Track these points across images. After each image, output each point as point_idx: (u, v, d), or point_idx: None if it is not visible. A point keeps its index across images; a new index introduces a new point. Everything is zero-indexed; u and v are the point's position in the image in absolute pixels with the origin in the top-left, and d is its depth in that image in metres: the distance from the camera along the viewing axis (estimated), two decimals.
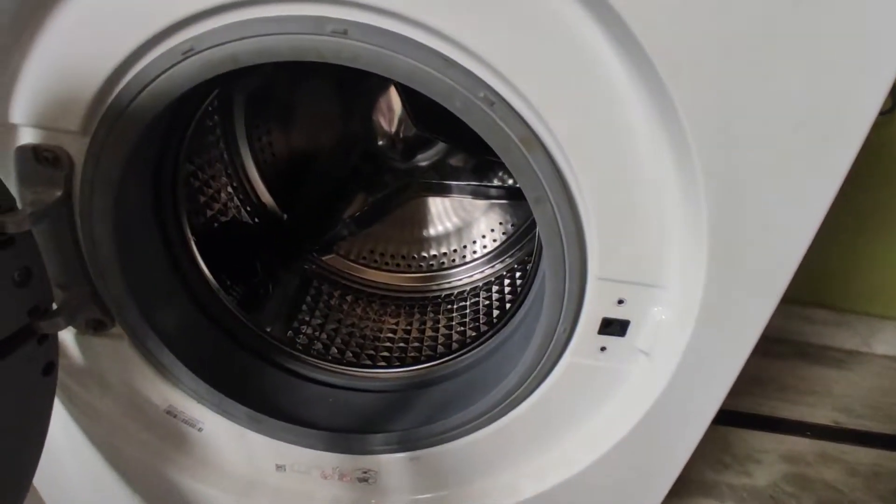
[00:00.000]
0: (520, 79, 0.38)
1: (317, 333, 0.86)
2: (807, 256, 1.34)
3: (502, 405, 0.55)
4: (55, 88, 0.42)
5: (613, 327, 0.49)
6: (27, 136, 0.45)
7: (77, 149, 0.45)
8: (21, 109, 0.43)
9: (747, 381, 1.25)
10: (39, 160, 0.45)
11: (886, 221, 1.25)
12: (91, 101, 0.42)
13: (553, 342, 0.50)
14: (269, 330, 0.77)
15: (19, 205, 0.44)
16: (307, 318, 0.88)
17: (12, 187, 0.45)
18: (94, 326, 0.55)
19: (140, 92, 0.41)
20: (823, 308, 1.36)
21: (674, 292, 0.46)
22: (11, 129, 0.45)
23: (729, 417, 1.16)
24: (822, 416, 1.20)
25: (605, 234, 0.44)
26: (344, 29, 0.38)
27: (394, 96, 0.84)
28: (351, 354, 0.83)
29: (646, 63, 0.36)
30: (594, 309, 0.48)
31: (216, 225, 0.81)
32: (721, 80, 0.36)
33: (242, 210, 0.88)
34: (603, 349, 0.51)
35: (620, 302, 0.48)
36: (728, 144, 0.38)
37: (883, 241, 1.27)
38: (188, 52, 0.39)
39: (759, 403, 1.20)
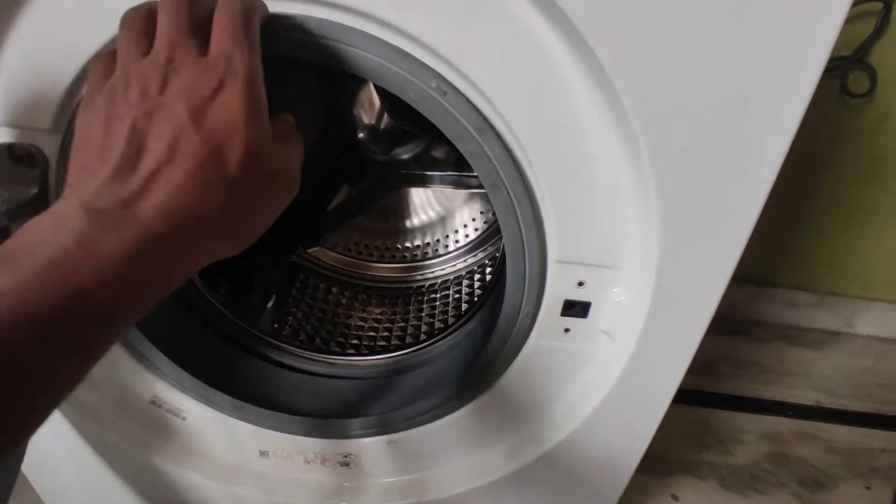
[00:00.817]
0: (471, 68, 0.40)
1: (302, 324, 0.87)
2: (788, 241, 1.36)
3: (473, 387, 0.57)
4: (25, 88, 0.44)
5: (576, 309, 0.51)
6: (0, 136, 0.46)
7: (50, 146, 0.47)
8: None
9: (729, 363, 1.28)
10: (13, 158, 0.46)
11: (866, 205, 1.27)
12: (61, 99, 0.44)
13: (518, 325, 0.52)
14: (254, 323, 0.79)
15: None
16: (293, 310, 0.89)
17: None
18: None
19: None
20: (804, 291, 1.39)
21: (631, 273, 0.48)
22: None
23: (711, 399, 1.19)
24: (803, 396, 1.22)
25: (562, 218, 0.46)
26: (299, 24, 0.39)
27: (373, 89, 0.85)
28: (335, 344, 0.85)
29: (592, 57, 0.37)
30: (556, 291, 0.50)
31: None
32: (662, 71, 0.38)
33: None
34: (567, 331, 0.52)
35: (581, 284, 0.49)
36: (670, 131, 0.40)
37: (863, 223, 1.29)
38: None
39: (740, 386, 1.23)
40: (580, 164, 0.43)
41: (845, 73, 1.12)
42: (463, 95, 0.41)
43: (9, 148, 0.46)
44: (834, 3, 0.35)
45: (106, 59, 0.34)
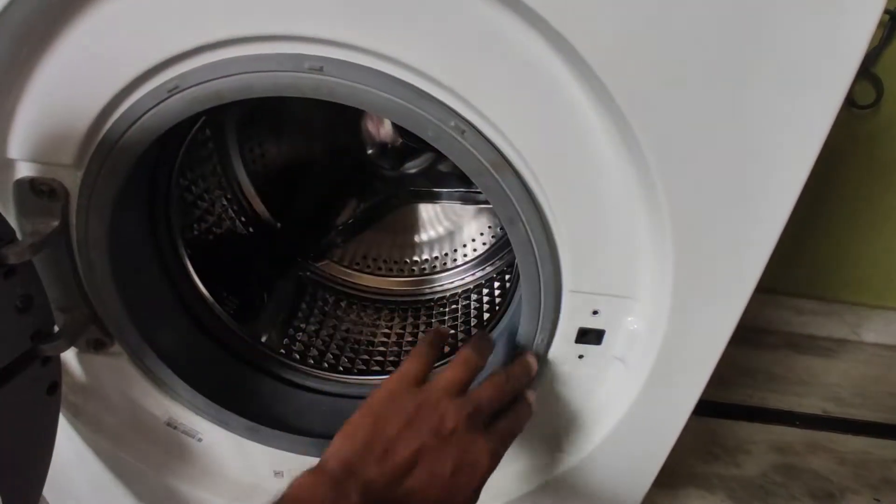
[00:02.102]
0: (488, 107, 0.40)
1: (312, 340, 0.88)
2: (795, 249, 1.36)
3: None
4: (49, 126, 0.44)
5: (590, 336, 0.51)
6: (24, 171, 0.47)
7: (71, 181, 0.47)
8: (17, 145, 0.46)
9: (737, 372, 1.28)
10: (36, 192, 0.47)
11: (873, 213, 1.27)
12: (83, 137, 0.44)
13: (532, 350, 0.52)
14: (264, 339, 0.80)
15: (19, 236, 0.46)
16: (302, 326, 0.90)
17: (11, 220, 0.47)
18: (94, 346, 0.57)
19: (129, 128, 0.43)
20: (812, 298, 1.39)
21: (645, 303, 0.49)
22: (9, 164, 0.47)
23: (719, 409, 1.19)
24: (811, 405, 1.22)
25: (577, 250, 0.46)
26: (320, 66, 0.40)
27: None
28: (346, 360, 0.86)
29: (605, 92, 0.38)
30: (570, 320, 0.50)
31: (211, 238, 0.83)
32: (678, 107, 0.38)
33: (237, 221, 0.90)
34: (581, 357, 0.53)
35: (595, 313, 0.50)
36: (686, 166, 0.40)
37: (870, 231, 1.30)
38: (174, 89, 0.41)
39: (748, 395, 1.23)
40: (595, 197, 0.44)
41: (851, 85, 1.12)
42: (481, 134, 0.41)
43: (31, 182, 0.47)
44: (857, 30, 0.36)
45: (429, 356, 0.48)
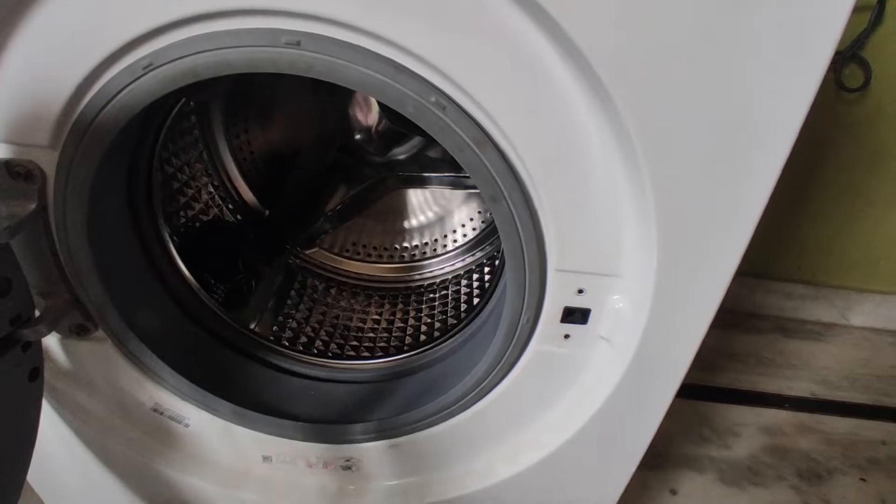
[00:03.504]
0: (469, 82, 0.40)
1: (302, 326, 0.88)
2: (785, 234, 1.36)
3: (473, 393, 0.57)
4: (23, 106, 0.43)
5: (575, 316, 0.51)
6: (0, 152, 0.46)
7: (48, 162, 0.46)
8: None
9: (727, 356, 1.29)
10: (12, 175, 0.46)
11: (861, 197, 1.28)
12: (58, 117, 0.44)
13: (518, 331, 0.52)
14: (252, 326, 0.79)
15: None
16: (292, 312, 0.90)
17: None
18: (77, 331, 0.56)
19: (104, 107, 0.42)
20: (801, 283, 1.39)
21: (630, 281, 0.48)
22: None
23: (709, 392, 1.20)
24: (800, 388, 1.23)
25: (561, 228, 0.46)
26: (297, 40, 0.39)
27: None
28: (335, 346, 0.85)
29: (588, 68, 0.37)
30: (555, 299, 0.50)
31: (197, 225, 0.82)
32: (660, 81, 0.38)
33: (224, 208, 0.89)
34: (567, 337, 0.53)
35: (580, 291, 0.50)
36: (669, 142, 0.40)
37: (858, 216, 1.30)
38: (148, 66, 0.41)
39: (738, 378, 1.24)
40: (579, 175, 0.43)
41: (840, 68, 1.12)
42: (462, 109, 0.41)
43: (7, 164, 0.46)
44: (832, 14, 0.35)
45: None
